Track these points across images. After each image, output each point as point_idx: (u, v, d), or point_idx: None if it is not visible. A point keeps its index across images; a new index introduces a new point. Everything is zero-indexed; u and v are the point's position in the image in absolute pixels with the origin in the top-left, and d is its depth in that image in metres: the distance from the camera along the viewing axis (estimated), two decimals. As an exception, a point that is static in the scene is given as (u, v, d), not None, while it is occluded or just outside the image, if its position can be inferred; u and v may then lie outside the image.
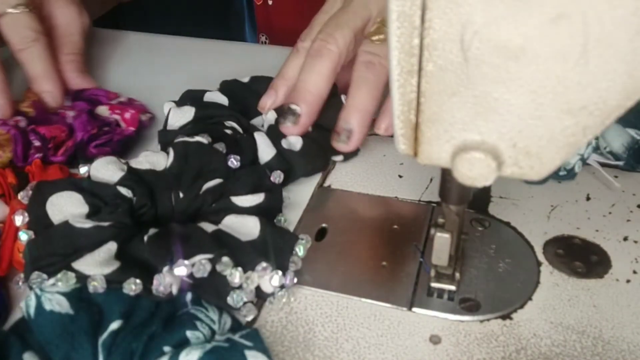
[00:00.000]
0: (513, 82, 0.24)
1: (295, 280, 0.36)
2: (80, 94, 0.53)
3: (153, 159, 0.41)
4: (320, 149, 0.45)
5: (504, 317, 0.34)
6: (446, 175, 0.31)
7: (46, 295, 0.31)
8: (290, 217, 0.42)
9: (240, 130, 0.46)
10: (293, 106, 0.44)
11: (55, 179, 0.40)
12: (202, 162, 0.41)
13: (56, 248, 0.34)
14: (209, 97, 0.49)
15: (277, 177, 0.42)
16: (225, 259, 0.34)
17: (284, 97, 0.47)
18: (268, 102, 0.47)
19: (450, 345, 0.33)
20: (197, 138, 0.42)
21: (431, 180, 0.45)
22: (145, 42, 0.68)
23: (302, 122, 0.44)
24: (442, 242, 0.33)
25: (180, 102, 0.49)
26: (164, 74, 0.61)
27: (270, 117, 0.48)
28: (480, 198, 0.43)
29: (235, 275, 0.33)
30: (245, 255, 0.35)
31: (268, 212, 0.39)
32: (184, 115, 0.46)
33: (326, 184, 0.46)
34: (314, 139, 0.46)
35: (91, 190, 0.38)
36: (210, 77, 0.59)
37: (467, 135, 0.26)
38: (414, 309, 0.35)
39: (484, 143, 0.26)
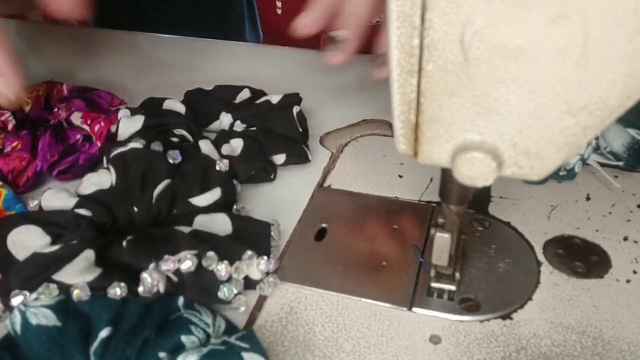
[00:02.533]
0: (513, 82, 0.24)
1: (278, 265, 0.37)
2: (85, 93, 0.53)
3: (96, 179, 0.41)
4: (260, 149, 0.45)
5: (504, 317, 0.34)
6: (446, 175, 0.31)
7: (31, 309, 0.30)
8: (290, 217, 0.42)
9: (189, 137, 0.46)
10: (341, 33, 0.41)
11: (7, 216, 0.38)
12: (144, 168, 0.40)
13: (30, 273, 0.33)
14: (167, 104, 0.50)
15: (223, 166, 0.42)
16: (210, 253, 0.34)
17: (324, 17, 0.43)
18: (306, 19, 0.43)
19: (450, 345, 0.33)
20: (131, 145, 0.41)
21: (431, 180, 0.45)
22: (145, 42, 0.68)
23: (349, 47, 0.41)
24: (442, 242, 0.33)
25: (137, 109, 0.49)
26: (164, 74, 0.61)
27: (225, 121, 0.49)
28: (480, 198, 0.43)
29: (222, 269, 0.34)
30: (229, 247, 0.35)
31: (226, 206, 0.40)
32: (133, 124, 0.47)
33: (326, 184, 0.46)
34: (255, 139, 0.46)
35: (48, 219, 0.37)
36: (210, 77, 0.59)
37: (467, 135, 0.26)
38: (414, 309, 0.35)
39: (484, 143, 0.26)
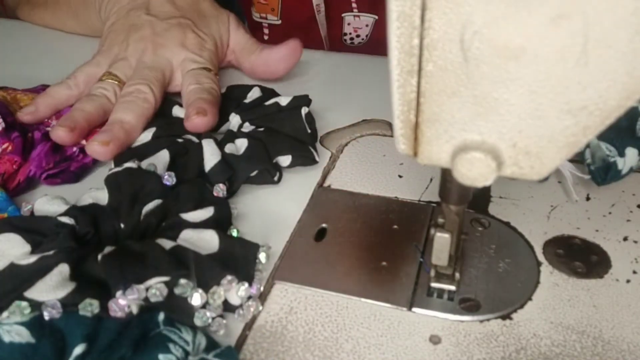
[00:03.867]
0: (513, 82, 0.24)
1: (262, 289, 0.36)
2: None
3: (96, 194, 0.40)
4: (264, 150, 0.45)
5: (504, 317, 0.34)
6: (446, 175, 0.31)
7: (4, 327, 0.30)
8: (290, 217, 0.42)
9: (196, 141, 0.46)
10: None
11: None
12: (135, 186, 0.40)
13: (4, 289, 0.32)
14: (176, 112, 0.50)
15: (220, 191, 0.41)
16: (182, 281, 0.33)
17: (45, 111, 0.50)
18: (25, 117, 0.49)
19: (450, 345, 0.33)
20: (126, 165, 0.41)
21: (431, 180, 0.45)
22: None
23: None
24: (442, 242, 0.33)
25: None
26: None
27: (234, 122, 0.49)
28: (480, 198, 0.43)
29: (195, 297, 0.33)
30: (209, 269, 0.34)
31: (219, 225, 0.38)
32: (144, 136, 0.47)
33: (326, 184, 0.46)
34: (260, 140, 0.46)
35: (30, 227, 0.36)
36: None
37: (467, 135, 0.26)
38: (414, 309, 0.35)
39: (484, 143, 0.26)
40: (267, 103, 0.50)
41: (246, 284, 0.34)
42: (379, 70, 0.60)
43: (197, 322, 0.33)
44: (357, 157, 0.48)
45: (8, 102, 0.50)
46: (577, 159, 0.43)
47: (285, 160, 0.45)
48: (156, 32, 0.54)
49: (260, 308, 0.35)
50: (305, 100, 0.49)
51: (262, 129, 0.47)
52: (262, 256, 0.37)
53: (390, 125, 0.52)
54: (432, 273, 0.36)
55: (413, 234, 0.40)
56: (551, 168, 0.26)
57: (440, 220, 0.34)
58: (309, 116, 0.48)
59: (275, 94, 0.52)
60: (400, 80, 0.26)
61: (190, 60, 0.53)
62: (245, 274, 0.35)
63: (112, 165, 0.44)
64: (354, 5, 0.69)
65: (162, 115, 0.50)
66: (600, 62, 0.23)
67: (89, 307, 0.32)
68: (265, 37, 0.73)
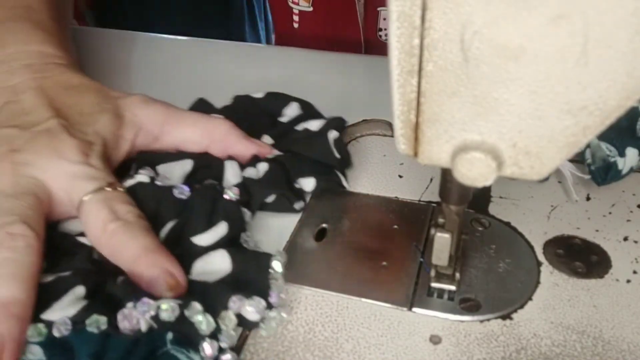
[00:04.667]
0: (513, 82, 0.24)
1: (283, 296, 0.35)
2: None
3: None
4: (284, 175, 0.43)
5: (504, 317, 0.34)
6: (446, 175, 0.32)
7: None
8: (290, 217, 0.42)
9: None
10: None
11: None
12: (152, 207, 0.38)
13: None
14: None
15: (231, 194, 0.40)
16: (194, 303, 0.32)
17: None
18: None
19: (450, 345, 0.33)
20: (138, 178, 0.40)
21: (431, 180, 0.45)
22: (145, 42, 0.68)
23: None
24: (442, 242, 0.33)
25: None
26: (164, 75, 0.61)
27: (266, 141, 0.47)
28: (480, 198, 0.43)
29: (204, 323, 0.32)
30: (214, 297, 0.33)
31: (233, 239, 0.38)
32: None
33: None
34: (281, 163, 0.43)
35: (47, 243, 0.35)
36: (210, 77, 0.59)
37: (467, 135, 0.26)
38: (414, 309, 0.35)
39: (484, 143, 0.26)
40: (298, 127, 0.47)
41: (256, 298, 0.33)
42: (379, 70, 0.60)
43: (201, 353, 0.32)
44: (357, 157, 0.48)
45: None
46: (577, 159, 0.43)
47: (308, 183, 0.43)
48: (14, 148, 0.37)
49: (285, 316, 0.34)
50: (336, 123, 0.46)
51: (284, 153, 0.45)
52: (275, 265, 0.36)
53: (390, 125, 0.52)
54: (432, 273, 0.36)
55: (413, 234, 0.40)
56: (551, 168, 0.26)
57: (440, 220, 0.34)
58: (339, 141, 0.45)
59: (312, 108, 0.49)
60: (400, 80, 0.26)
61: (79, 177, 0.37)
62: (258, 288, 0.34)
63: (131, 172, 0.42)
64: None
65: None
66: (600, 62, 0.23)
67: (96, 323, 0.31)
68: (295, 25, 0.72)
